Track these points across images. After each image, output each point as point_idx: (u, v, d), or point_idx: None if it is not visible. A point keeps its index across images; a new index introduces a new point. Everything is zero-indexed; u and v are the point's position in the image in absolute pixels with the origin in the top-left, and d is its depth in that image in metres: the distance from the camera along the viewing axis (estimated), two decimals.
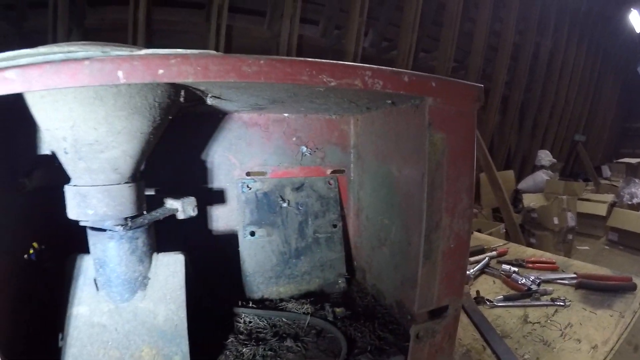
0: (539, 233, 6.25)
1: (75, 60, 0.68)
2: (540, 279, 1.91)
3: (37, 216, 1.17)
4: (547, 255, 2.35)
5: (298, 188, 1.52)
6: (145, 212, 1.04)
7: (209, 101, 1.10)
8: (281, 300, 1.42)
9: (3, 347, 0.82)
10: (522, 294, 1.80)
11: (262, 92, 0.99)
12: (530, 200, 6.71)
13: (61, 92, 0.78)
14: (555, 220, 6.14)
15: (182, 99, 0.93)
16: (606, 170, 10.71)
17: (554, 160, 8.78)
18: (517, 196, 7.54)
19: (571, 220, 6.30)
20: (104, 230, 0.98)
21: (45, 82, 0.68)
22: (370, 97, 1.09)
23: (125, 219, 0.97)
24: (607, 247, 6.37)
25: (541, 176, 7.93)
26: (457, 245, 0.94)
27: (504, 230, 5.65)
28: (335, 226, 1.56)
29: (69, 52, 0.73)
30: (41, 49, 0.75)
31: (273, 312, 1.32)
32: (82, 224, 0.98)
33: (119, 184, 0.94)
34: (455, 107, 0.89)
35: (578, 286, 1.85)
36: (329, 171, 1.59)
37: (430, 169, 0.85)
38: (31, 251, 1.15)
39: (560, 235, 6.23)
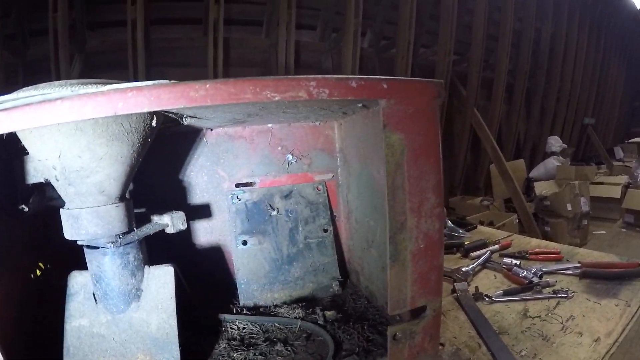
0: (553, 221, 6.17)
1: (50, 100, 0.77)
2: (542, 270, 1.86)
3: (40, 238, 1.26)
4: (551, 245, 2.29)
5: (286, 196, 1.56)
6: (135, 229, 1.11)
7: (186, 121, 1.15)
8: (275, 306, 1.46)
9: (11, 355, 0.88)
10: (522, 288, 1.75)
11: (230, 109, 1.03)
12: (542, 188, 6.64)
13: (46, 127, 0.87)
14: (569, 207, 6.06)
15: (154, 124, 0.98)
16: (619, 152, 10.52)
17: (565, 145, 8.66)
18: (528, 185, 7.46)
19: (584, 205, 6.22)
20: (98, 247, 1.07)
21: (28, 122, 0.77)
22: (338, 103, 1.12)
23: (116, 236, 1.05)
24: (623, 230, 6.21)
25: (552, 163, 7.83)
26: (427, 245, 0.95)
27: (517, 221, 5.60)
28: (326, 230, 1.59)
29: (43, 94, 0.83)
30: (21, 93, 0.86)
31: (265, 318, 1.36)
32: (79, 242, 1.06)
33: (107, 204, 1.02)
34: (413, 106, 0.90)
35: (582, 276, 1.78)
36: (316, 177, 1.62)
37: (389, 171, 0.87)
38: (39, 273, 1.23)
39: (574, 222, 6.15)
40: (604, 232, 6.46)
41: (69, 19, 3.99)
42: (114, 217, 1.02)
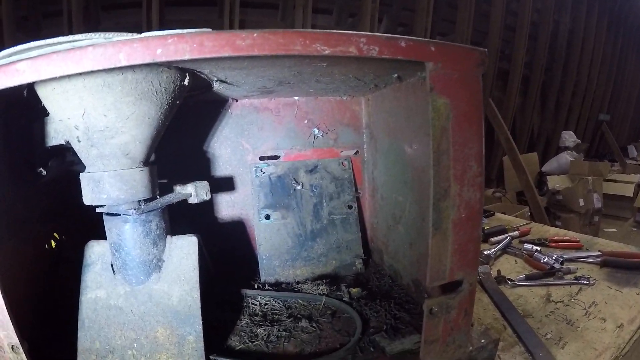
0: (565, 215, 6.10)
1: (80, 48, 0.71)
2: (563, 257, 1.85)
3: (57, 207, 1.22)
4: (570, 234, 2.27)
5: (311, 170, 1.53)
6: (158, 197, 1.06)
7: (216, 86, 1.11)
8: (297, 282, 1.44)
9: (24, 328, 0.85)
10: (544, 273, 1.74)
11: (266, 72, 0.99)
12: (555, 182, 6.56)
13: (71, 83, 0.81)
14: (581, 202, 5.98)
15: (186, 83, 0.94)
16: (632, 150, 10.38)
17: (579, 141, 8.54)
18: (541, 178, 7.38)
19: (597, 201, 6.14)
20: (118, 214, 1.01)
21: (54, 71, 0.71)
22: (375, 71, 1.08)
23: (139, 202, 1.00)
24: (634, 229, 6.16)
25: (565, 157, 7.73)
26: (468, 215, 0.92)
27: (529, 214, 5.55)
28: (350, 207, 1.56)
29: (73, 40, 0.77)
30: (48, 41, 0.78)
31: (288, 294, 1.34)
32: (98, 210, 1.01)
33: (131, 168, 0.97)
34: (458, 72, 0.86)
35: (603, 264, 1.78)
36: (342, 152, 1.59)
37: (435, 135, 0.83)
38: (53, 243, 1.20)
39: (586, 218, 6.07)
40: (614, 230, 6.39)
41: (83, 0, 3.96)
42: (138, 181, 0.97)
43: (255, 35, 0.69)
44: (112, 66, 0.70)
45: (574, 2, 8.32)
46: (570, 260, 1.87)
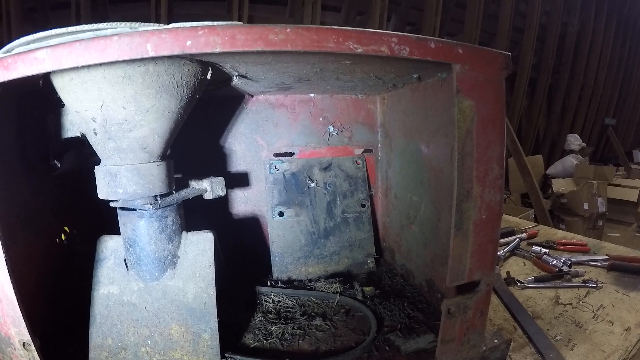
0: (569, 219, 6.08)
1: (105, 37, 0.69)
2: (571, 260, 1.87)
3: (69, 200, 1.21)
4: (577, 238, 2.28)
5: (326, 168, 1.52)
6: (174, 192, 1.05)
7: (235, 80, 1.10)
8: (310, 280, 1.43)
9: (35, 325, 0.84)
10: (553, 275, 1.76)
11: (288, 68, 0.98)
12: (560, 186, 6.54)
13: (90, 73, 0.80)
14: (586, 206, 5.96)
15: (208, 77, 0.93)
16: (637, 155, 10.33)
17: (584, 144, 8.52)
18: (546, 181, 7.35)
19: (601, 205, 6.11)
20: (134, 209, 1.00)
21: (75, 60, 0.69)
22: (397, 71, 1.07)
23: (155, 197, 0.99)
24: (638, 234, 6.13)
25: (570, 161, 7.71)
26: (488, 216, 0.91)
27: (533, 216, 5.53)
28: (363, 206, 1.55)
29: (97, 29, 0.75)
30: (70, 29, 0.76)
31: (302, 292, 1.33)
32: (112, 204, 1.00)
33: (148, 162, 0.95)
34: (483, 75, 0.86)
35: (610, 268, 1.80)
36: (356, 151, 1.58)
37: (460, 137, 0.83)
38: (63, 236, 1.19)
39: (590, 222, 6.05)
40: (618, 234, 6.36)
41: None
42: (155, 176, 0.95)
43: (288, 30, 0.68)
44: (139, 57, 0.68)
45: (583, 4, 8.28)
46: (578, 263, 1.88)
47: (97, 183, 0.95)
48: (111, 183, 0.93)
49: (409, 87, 1.31)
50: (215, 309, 1.01)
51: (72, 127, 1.03)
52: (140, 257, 1.01)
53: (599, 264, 1.86)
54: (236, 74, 1.05)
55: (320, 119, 1.52)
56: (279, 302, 1.28)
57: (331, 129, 1.53)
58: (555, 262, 1.85)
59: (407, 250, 1.43)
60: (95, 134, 0.91)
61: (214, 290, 1.03)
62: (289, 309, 1.25)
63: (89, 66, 0.71)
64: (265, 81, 1.18)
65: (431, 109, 1.19)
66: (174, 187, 1.05)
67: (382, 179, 1.60)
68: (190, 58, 0.85)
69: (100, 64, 0.72)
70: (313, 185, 1.50)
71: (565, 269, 1.80)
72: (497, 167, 0.91)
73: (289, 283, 1.42)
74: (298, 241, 1.47)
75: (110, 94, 0.83)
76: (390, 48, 0.75)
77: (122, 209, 1.01)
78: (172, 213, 1.04)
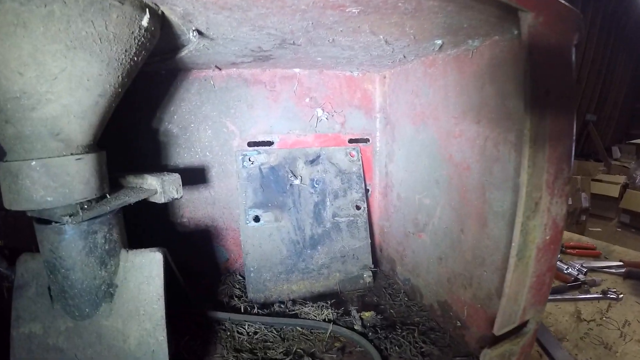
0: None
1: None
2: (585, 267, 1.74)
3: None
4: (584, 240, 2.20)
5: (313, 161, 1.23)
6: (108, 195, 0.76)
7: (193, 40, 0.79)
8: (293, 302, 1.14)
9: None
10: (570, 286, 1.62)
11: (267, 20, 0.68)
12: None
13: None
14: (569, 201, 5.89)
15: (145, 23, 0.62)
16: (616, 152, 10.49)
17: None
18: None
19: (585, 201, 6.11)
20: (50, 222, 0.70)
21: None
22: (418, 29, 0.78)
23: (77, 205, 0.69)
24: (619, 229, 6.19)
25: None
26: (552, 237, 0.65)
27: None
28: (358, 208, 1.28)
29: None
30: None
31: (284, 320, 1.04)
32: (28, 214, 0.70)
33: (63, 155, 0.66)
34: (555, 35, 0.60)
35: (626, 276, 1.70)
36: (350, 140, 1.29)
37: (533, 121, 0.54)
38: None
39: (573, 216, 6.01)
40: (599, 229, 6.41)
41: None
42: (74, 175, 0.67)
43: None
44: None
45: (570, 2, 8.14)
46: (592, 270, 1.78)
47: None
48: (12, 186, 0.64)
49: (422, 60, 1.03)
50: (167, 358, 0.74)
51: None
52: (64, 287, 0.73)
53: (614, 270, 1.76)
54: (193, 28, 0.74)
55: (307, 100, 1.23)
56: (255, 333, 1.00)
57: (320, 112, 1.24)
58: (570, 269, 1.71)
59: (414, 264, 1.16)
60: None
61: (165, 334, 0.75)
62: (268, 343, 0.97)
63: None
64: (235, 44, 0.87)
65: (455, 87, 0.92)
66: (107, 190, 0.75)
67: (380, 175, 1.33)
68: None
69: None
70: (297, 182, 1.21)
71: (581, 277, 1.67)
72: (567, 168, 0.64)
73: (268, 306, 1.13)
74: (278, 252, 1.18)
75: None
76: None
77: (37, 220, 0.71)
78: (103, 227, 0.75)
